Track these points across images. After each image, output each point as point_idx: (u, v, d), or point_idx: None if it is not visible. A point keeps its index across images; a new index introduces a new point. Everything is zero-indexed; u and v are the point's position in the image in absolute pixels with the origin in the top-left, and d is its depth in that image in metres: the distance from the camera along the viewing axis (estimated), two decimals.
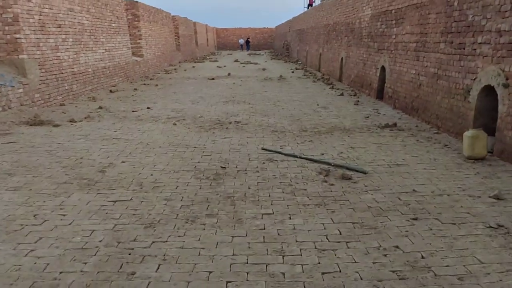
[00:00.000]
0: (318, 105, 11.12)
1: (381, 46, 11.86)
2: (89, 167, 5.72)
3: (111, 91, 14.01)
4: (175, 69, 23.95)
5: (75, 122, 8.79)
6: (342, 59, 16.96)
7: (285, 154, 6.35)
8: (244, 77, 19.05)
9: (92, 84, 13.72)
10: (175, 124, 8.62)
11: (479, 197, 4.56)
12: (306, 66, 26.41)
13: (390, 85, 10.96)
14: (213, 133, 7.87)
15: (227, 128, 8.30)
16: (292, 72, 21.98)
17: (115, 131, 7.99)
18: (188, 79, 18.59)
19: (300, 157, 6.17)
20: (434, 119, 8.23)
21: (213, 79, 18.28)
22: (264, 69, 23.64)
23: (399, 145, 6.89)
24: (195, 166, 5.81)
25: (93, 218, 4.11)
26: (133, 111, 10.18)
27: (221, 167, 5.75)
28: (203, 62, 31.82)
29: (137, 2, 20.38)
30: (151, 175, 5.43)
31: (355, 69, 14.67)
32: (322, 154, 6.37)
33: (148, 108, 10.63)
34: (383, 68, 11.74)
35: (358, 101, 11.48)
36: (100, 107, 10.57)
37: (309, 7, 35.70)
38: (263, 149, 6.67)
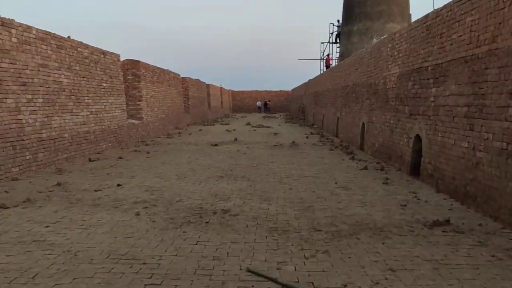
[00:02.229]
0: (336, 183, 8.68)
1: (414, 110, 9.57)
2: None
3: (90, 159, 11.87)
4: (179, 133, 22.03)
5: (6, 208, 6.50)
6: (363, 124, 14.70)
7: (283, 285, 3.85)
8: (252, 143, 16.86)
9: (68, 151, 11.63)
10: (138, 215, 6.24)
11: None
12: (322, 130, 24.26)
13: (430, 160, 8.51)
14: (184, 232, 5.44)
15: (207, 222, 5.86)
16: (307, 137, 19.77)
17: (47, 227, 5.62)
18: (188, 145, 16.48)
19: None
20: (507, 215, 5.67)
21: (216, 145, 16.12)
22: (276, 134, 21.53)
23: (467, 267, 4.32)
24: None
25: None
26: (95, 190, 7.88)
27: None
28: (213, 125, 30.05)
29: (138, 61, 18.90)
30: None
31: (380, 137, 12.33)
32: (345, 287, 3.85)
33: (118, 185, 8.34)
34: (418, 138, 9.37)
35: (388, 179, 9.00)
36: (59, 184, 8.33)
37: (326, 69, 34.25)
38: (248, 271, 4.19)
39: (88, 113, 13.17)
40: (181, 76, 28.41)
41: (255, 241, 5.09)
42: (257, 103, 62.84)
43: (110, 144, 14.81)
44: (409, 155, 9.73)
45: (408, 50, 10.16)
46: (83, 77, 12.87)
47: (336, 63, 31.26)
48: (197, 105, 33.57)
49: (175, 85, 25.93)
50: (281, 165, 11.15)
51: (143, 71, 19.29)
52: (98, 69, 14.10)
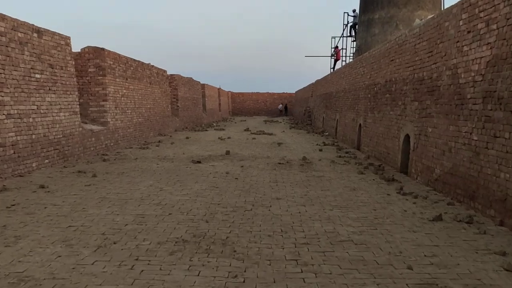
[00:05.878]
0: (411, 269, 4.28)
1: None
2: None
3: None
4: (159, 142, 17.57)
5: None
6: (407, 137, 10.31)
7: None
8: (249, 159, 12.48)
9: None
10: None
11: None
12: (336, 139, 19.87)
13: None
14: None
15: None
16: (320, 150, 15.33)
17: None
18: (161, 160, 12.08)
19: None
20: None
21: (199, 162, 11.72)
22: (280, 144, 17.13)
23: None
24: None
25: None
26: None
27: None
28: (206, 130, 25.65)
29: (103, 49, 14.50)
30: None
31: (447, 159, 7.92)
32: None
33: None
34: None
35: (505, 254, 4.63)
36: None
37: (335, 63, 30.05)
38: None
39: (3, 117, 8.80)
40: (169, 73, 24.06)
41: None
42: (278, 106, 61.21)
43: (47, 161, 10.43)
44: None
45: None
46: None
47: (350, 59, 26.90)
48: (189, 108, 29.17)
49: (160, 83, 21.55)
50: (293, 207, 6.76)
51: (110, 62, 14.90)
52: (27, 53, 9.73)
